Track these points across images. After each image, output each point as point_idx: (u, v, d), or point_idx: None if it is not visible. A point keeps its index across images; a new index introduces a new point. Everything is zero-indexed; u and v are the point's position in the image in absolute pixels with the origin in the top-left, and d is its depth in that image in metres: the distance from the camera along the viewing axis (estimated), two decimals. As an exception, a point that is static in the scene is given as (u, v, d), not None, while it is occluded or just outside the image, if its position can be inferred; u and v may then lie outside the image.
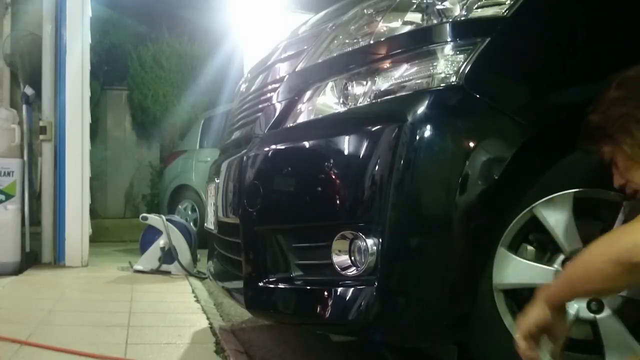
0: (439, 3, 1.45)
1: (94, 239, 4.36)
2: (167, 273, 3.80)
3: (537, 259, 1.45)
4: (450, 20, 1.42)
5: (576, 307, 1.40)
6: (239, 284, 1.66)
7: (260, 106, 1.82)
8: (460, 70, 1.35)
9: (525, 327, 1.21)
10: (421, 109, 1.34)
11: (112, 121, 8.08)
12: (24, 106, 4.02)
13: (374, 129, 1.37)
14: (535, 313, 1.20)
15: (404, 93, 1.39)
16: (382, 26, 1.51)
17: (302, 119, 1.57)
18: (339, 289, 1.40)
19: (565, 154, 1.41)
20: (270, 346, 2.22)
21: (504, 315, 1.43)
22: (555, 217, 1.39)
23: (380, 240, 1.32)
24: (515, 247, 1.46)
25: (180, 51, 8.09)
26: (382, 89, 1.43)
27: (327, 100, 1.53)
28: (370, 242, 1.33)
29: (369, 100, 1.44)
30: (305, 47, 1.72)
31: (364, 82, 1.46)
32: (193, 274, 3.79)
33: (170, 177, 6.52)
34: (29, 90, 4.02)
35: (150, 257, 3.86)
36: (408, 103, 1.36)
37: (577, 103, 1.41)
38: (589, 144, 1.32)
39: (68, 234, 3.96)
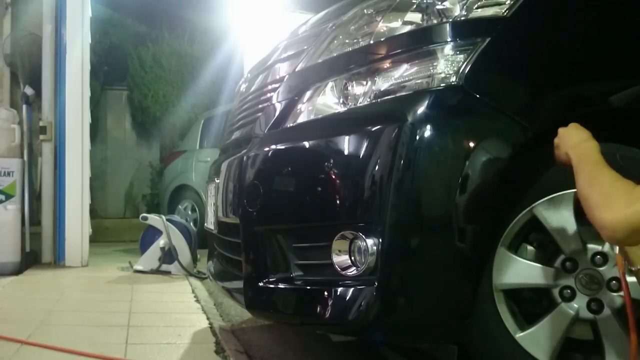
0: (439, 3, 1.45)
1: (94, 239, 4.36)
2: (167, 273, 3.80)
3: (537, 259, 1.45)
4: (450, 20, 1.42)
5: (576, 307, 1.40)
6: (239, 284, 1.66)
7: (260, 106, 1.82)
8: (460, 70, 1.36)
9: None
10: (421, 109, 1.34)
11: (112, 121, 8.08)
12: (24, 106, 4.02)
13: (374, 129, 1.37)
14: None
15: (404, 93, 1.39)
16: (382, 26, 1.51)
17: (302, 119, 1.57)
18: (339, 289, 1.40)
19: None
20: (270, 346, 2.22)
21: (504, 315, 1.43)
22: (555, 217, 1.39)
23: (380, 240, 1.32)
24: (515, 247, 1.46)
25: (180, 51, 8.09)
26: (382, 89, 1.42)
27: (327, 100, 1.53)
28: (370, 242, 1.33)
29: (369, 100, 1.44)
30: (305, 47, 1.72)
31: (364, 82, 1.46)
32: (193, 274, 3.79)
33: (170, 177, 6.52)
34: (29, 90, 4.02)
35: (150, 257, 3.86)
36: (408, 103, 1.36)
37: (577, 103, 1.42)
38: None
39: (68, 234, 3.96)
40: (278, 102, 1.68)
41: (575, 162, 1.23)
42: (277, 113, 1.65)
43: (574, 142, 1.26)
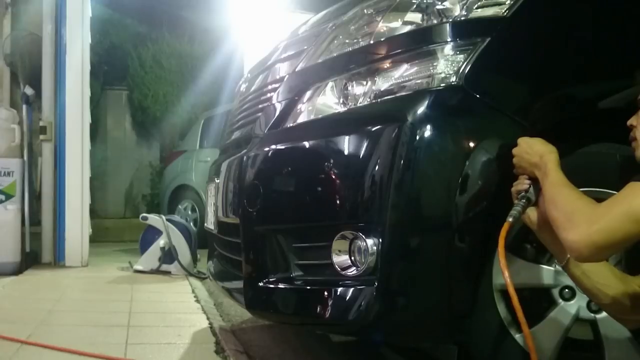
0: (439, 3, 1.45)
1: (94, 239, 4.36)
2: (167, 273, 3.80)
3: (537, 259, 1.45)
4: (450, 20, 1.42)
5: (576, 307, 1.40)
6: (239, 284, 1.66)
7: (260, 106, 1.82)
8: (460, 70, 1.36)
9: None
10: (421, 109, 1.34)
11: (112, 121, 8.07)
12: (24, 106, 4.01)
13: (374, 129, 1.37)
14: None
15: (404, 93, 1.39)
16: (382, 26, 1.51)
17: (302, 119, 1.57)
18: (339, 289, 1.40)
19: (565, 154, 1.41)
20: (270, 346, 2.22)
21: (504, 315, 1.43)
22: (555, 217, 1.39)
23: (380, 240, 1.32)
24: (515, 247, 1.46)
25: (180, 51, 8.08)
26: (382, 89, 1.43)
27: (327, 100, 1.53)
28: (370, 242, 1.33)
29: (369, 100, 1.44)
30: (305, 47, 1.72)
31: (364, 82, 1.46)
32: (193, 274, 3.78)
33: (170, 177, 6.52)
34: (29, 90, 4.02)
35: (150, 257, 3.85)
36: (408, 103, 1.37)
37: (577, 102, 1.42)
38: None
39: (68, 234, 3.96)
40: (278, 102, 1.68)
41: (541, 180, 1.26)
42: (277, 113, 1.65)
43: (534, 160, 1.27)
